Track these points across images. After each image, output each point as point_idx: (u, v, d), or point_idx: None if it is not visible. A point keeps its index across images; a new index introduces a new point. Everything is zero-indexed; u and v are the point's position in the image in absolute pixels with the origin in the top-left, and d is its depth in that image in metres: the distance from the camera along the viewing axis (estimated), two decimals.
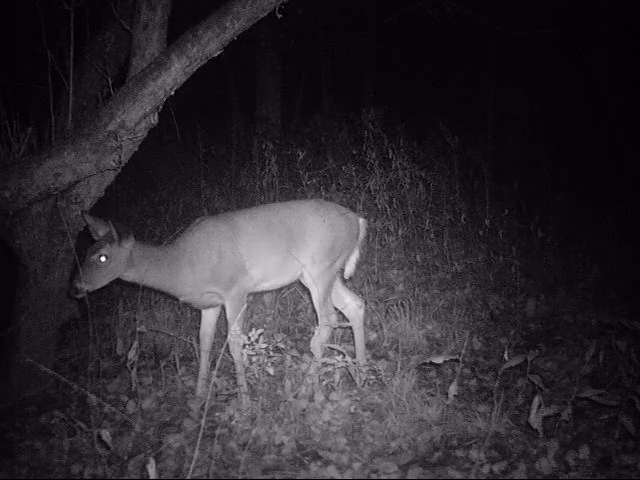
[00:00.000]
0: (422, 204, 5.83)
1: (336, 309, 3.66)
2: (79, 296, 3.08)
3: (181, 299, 3.36)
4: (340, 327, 3.78)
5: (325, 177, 6.01)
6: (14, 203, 3.13)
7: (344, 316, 3.75)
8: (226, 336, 3.34)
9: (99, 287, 3.15)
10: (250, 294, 3.80)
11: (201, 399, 3.29)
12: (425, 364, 3.49)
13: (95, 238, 3.18)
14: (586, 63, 9.04)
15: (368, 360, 3.61)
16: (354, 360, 3.27)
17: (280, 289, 4.18)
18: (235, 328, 3.25)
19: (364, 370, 3.31)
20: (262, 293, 4.35)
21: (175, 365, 3.59)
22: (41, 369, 3.22)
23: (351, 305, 3.70)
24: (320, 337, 3.49)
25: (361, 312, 3.70)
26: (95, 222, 3.20)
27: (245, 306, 3.33)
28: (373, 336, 4.16)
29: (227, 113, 9.70)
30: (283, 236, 3.42)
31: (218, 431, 2.82)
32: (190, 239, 3.31)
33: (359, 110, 6.17)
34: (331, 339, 3.93)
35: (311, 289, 3.55)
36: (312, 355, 3.45)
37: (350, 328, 3.82)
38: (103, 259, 3.09)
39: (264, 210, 3.56)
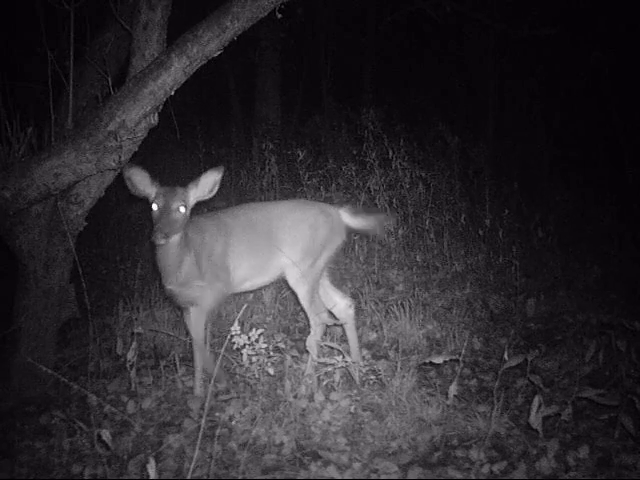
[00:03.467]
0: (422, 204, 5.84)
1: (327, 309, 3.65)
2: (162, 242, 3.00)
3: (168, 286, 3.28)
4: (335, 325, 3.78)
5: (325, 177, 6.02)
6: (14, 203, 3.13)
7: (334, 316, 3.74)
8: (226, 336, 3.33)
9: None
10: (234, 294, 3.80)
11: (201, 399, 3.29)
12: (425, 364, 3.49)
13: (133, 192, 3.10)
14: (588, 62, 9.03)
15: (368, 360, 3.61)
16: (353, 360, 3.27)
17: (260, 289, 4.15)
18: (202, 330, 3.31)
19: (363, 370, 3.31)
20: (242, 293, 4.28)
21: (175, 365, 3.59)
22: (41, 369, 3.22)
23: (340, 304, 3.69)
24: (316, 336, 3.49)
25: (351, 311, 3.68)
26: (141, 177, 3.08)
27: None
28: (373, 336, 4.16)
29: (227, 113, 9.70)
30: (263, 235, 3.42)
31: (218, 431, 2.82)
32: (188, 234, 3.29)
33: (359, 110, 6.18)
34: (330, 338, 3.93)
35: (296, 289, 3.52)
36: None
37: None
38: (182, 210, 3.08)
39: (246, 209, 3.58)
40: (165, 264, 3.18)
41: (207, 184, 3.16)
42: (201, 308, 3.36)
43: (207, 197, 3.19)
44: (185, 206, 3.08)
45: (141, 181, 3.05)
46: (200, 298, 3.33)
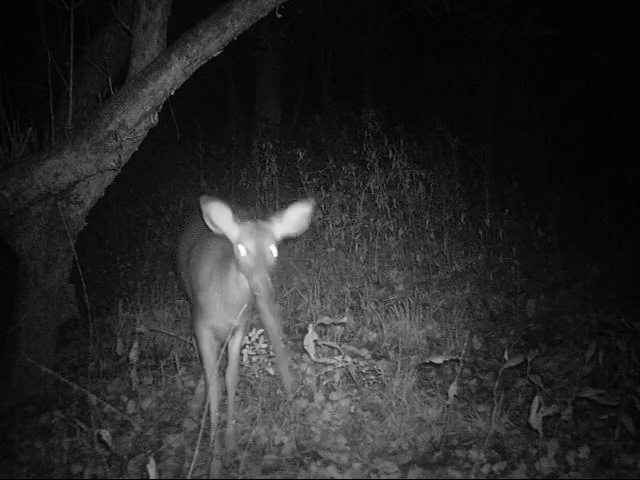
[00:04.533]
0: (422, 204, 5.84)
1: None
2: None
3: (232, 321, 2.81)
4: (334, 324, 3.77)
5: (325, 177, 6.02)
6: (14, 203, 3.13)
7: None
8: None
9: None
10: None
11: (201, 399, 3.29)
12: (425, 364, 3.49)
13: (212, 229, 2.57)
14: (588, 63, 9.04)
15: (368, 360, 3.61)
16: (354, 360, 3.27)
17: None
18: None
19: (363, 370, 3.29)
20: None
21: (175, 365, 3.59)
22: (41, 369, 3.22)
23: None
24: (313, 334, 3.48)
25: None
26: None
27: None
28: (373, 336, 4.16)
29: (227, 113, 9.70)
30: None
31: (218, 431, 2.82)
32: None
33: (359, 110, 6.18)
34: (330, 338, 3.93)
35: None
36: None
37: (343, 325, 3.86)
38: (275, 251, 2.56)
39: None
40: (239, 301, 2.72)
41: (293, 220, 2.62)
42: (243, 330, 3.03)
43: (294, 234, 2.66)
44: (276, 246, 2.56)
45: (222, 217, 2.54)
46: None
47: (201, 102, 9.24)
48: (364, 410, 3.20)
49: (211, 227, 2.57)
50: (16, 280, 3.51)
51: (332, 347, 3.37)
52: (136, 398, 3.22)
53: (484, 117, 9.65)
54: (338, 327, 4.05)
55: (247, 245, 2.49)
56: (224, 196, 6.62)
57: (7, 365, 3.48)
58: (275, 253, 2.53)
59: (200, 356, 2.97)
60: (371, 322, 4.31)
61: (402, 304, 4.22)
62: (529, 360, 2.87)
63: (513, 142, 9.38)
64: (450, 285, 5.02)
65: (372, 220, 5.62)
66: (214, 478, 2.66)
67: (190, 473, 2.36)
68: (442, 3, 7.52)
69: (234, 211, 2.56)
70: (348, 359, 3.15)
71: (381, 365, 3.42)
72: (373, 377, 3.33)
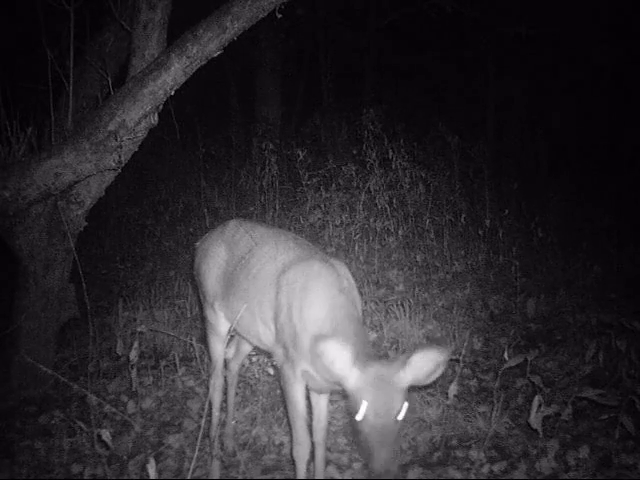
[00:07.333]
0: (422, 204, 5.84)
1: None
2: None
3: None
4: None
5: (325, 177, 6.02)
6: (14, 203, 3.13)
7: None
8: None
9: None
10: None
11: (201, 399, 3.29)
12: None
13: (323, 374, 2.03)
14: (587, 61, 9.04)
15: None
16: None
17: None
18: None
19: None
20: None
21: (175, 365, 3.59)
22: (41, 369, 3.22)
23: None
24: None
25: None
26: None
27: None
28: (373, 336, 4.16)
29: (227, 113, 9.70)
30: None
31: (218, 431, 2.82)
32: None
33: (359, 110, 6.18)
34: None
35: None
36: None
37: None
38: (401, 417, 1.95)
39: None
40: None
41: (423, 369, 1.99)
42: None
43: (420, 385, 2.06)
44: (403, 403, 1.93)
45: (339, 360, 1.94)
46: None
47: (201, 102, 9.24)
48: None
49: (322, 370, 1.99)
50: (16, 280, 3.51)
51: None
52: (136, 398, 3.23)
53: (484, 117, 9.65)
54: None
55: (371, 404, 1.87)
56: (223, 197, 6.63)
57: (7, 365, 3.48)
58: (402, 415, 1.90)
59: (287, 403, 2.41)
60: (371, 322, 4.31)
61: (402, 304, 4.22)
62: (529, 360, 2.88)
63: (513, 142, 9.38)
64: (450, 285, 5.02)
65: (372, 220, 5.62)
66: (214, 478, 2.66)
67: (190, 473, 2.37)
68: (443, 4, 7.52)
69: (354, 351, 1.93)
70: None
71: None
72: None
